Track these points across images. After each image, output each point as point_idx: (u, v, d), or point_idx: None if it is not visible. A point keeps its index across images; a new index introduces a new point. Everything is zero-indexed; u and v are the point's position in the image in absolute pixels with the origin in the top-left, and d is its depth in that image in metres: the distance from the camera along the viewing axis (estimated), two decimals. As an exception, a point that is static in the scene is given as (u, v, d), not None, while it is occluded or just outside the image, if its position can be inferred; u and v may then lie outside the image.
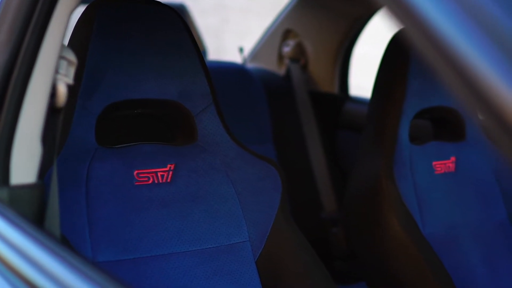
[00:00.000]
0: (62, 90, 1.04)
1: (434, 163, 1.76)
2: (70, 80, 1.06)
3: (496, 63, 0.55)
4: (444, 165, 1.77)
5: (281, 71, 2.87)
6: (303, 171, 2.66)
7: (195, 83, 1.42)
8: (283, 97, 2.76)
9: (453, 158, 1.79)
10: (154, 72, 1.38)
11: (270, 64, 2.91)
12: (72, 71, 1.07)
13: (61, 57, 1.06)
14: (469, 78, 0.56)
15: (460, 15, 0.57)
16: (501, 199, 1.84)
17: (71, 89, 1.16)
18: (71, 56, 1.07)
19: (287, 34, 2.84)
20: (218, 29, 7.73)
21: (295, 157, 2.65)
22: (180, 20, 1.43)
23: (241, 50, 2.97)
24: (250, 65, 2.94)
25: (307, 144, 2.71)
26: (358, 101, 2.77)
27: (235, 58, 3.16)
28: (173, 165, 1.39)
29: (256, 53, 3.00)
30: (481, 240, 1.77)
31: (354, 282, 2.33)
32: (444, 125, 1.87)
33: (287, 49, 2.82)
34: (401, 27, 0.62)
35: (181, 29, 1.42)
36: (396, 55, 1.76)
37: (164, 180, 1.38)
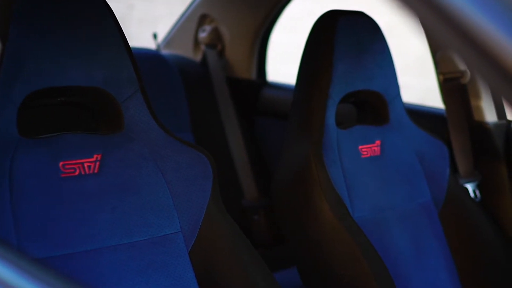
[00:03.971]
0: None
1: (360, 147, 1.77)
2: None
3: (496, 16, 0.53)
4: (370, 149, 1.78)
5: (197, 57, 2.82)
6: (222, 159, 2.63)
7: (121, 70, 1.37)
8: (200, 83, 2.72)
9: (378, 142, 1.80)
10: (78, 58, 1.31)
11: (185, 50, 2.86)
12: (-4, 56, 0.99)
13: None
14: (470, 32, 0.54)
15: None
16: (425, 181, 1.86)
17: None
18: (-5, 41, 1.00)
19: (203, 19, 2.79)
20: (123, 16, 7.58)
21: (214, 145, 2.61)
22: (104, 5, 1.36)
23: (155, 36, 2.90)
24: (164, 52, 2.88)
25: (226, 131, 2.68)
26: (276, 86, 2.75)
27: (142, 45, 3.08)
28: (100, 155, 1.33)
29: (171, 39, 2.94)
30: (407, 222, 1.79)
31: (282, 268, 2.32)
32: (368, 109, 1.88)
33: (203, 35, 2.77)
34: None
35: (105, 13, 1.36)
36: (320, 40, 1.75)
37: (91, 171, 1.31)
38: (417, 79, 6.79)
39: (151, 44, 2.96)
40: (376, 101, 1.85)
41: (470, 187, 2.04)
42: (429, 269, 1.79)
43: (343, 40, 1.73)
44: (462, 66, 2.06)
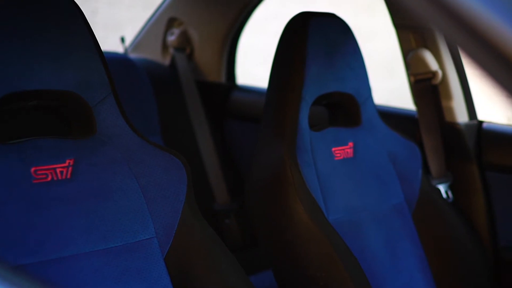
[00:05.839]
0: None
1: (333, 149, 1.76)
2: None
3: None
4: (343, 151, 1.78)
5: (166, 60, 2.80)
6: (193, 163, 2.60)
7: (93, 73, 1.34)
8: (170, 87, 2.70)
9: (350, 144, 1.80)
10: (49, 62, 1.28)
11: (153, 54, 2.83)
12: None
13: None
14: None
15: None
16: (398, 182, 1.86)
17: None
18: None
19: (171, 22, 2.76)
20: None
21: (184, 148, 2.59)
22: (75, 7, 1.34)
23: (122, 39, 2.87)
24: (132, 55, 2.85)
25: (196, 135, 2.66)
26: (245, 89, 2.74)
27: (108, 49, 3.05)
28: (72, 160, 1.30)
29: (138, 42, 2.91)
30: (381, 223, 1.79)
31: (255, 271, 2.31)
32: (340, 111, 1.88)
33: (171, 38, 2.75)
34: None
35: (76, 16, 1.33)
36: (292, 42, 1.74)
37: (63, 177, 1.28)
38: (381, 80, 6.84)
39: (116, 48, 2.92)
40: (348, 103, 1.85)
41: (442, 188, 2.05)
42: (403, 270, 1.79)
43: (315, 42, 1.72)
44: (433, 67, 2.07)
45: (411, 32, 2.08)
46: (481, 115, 2.14)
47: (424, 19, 0.63)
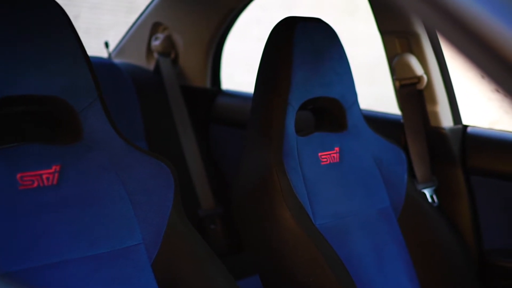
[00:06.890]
0: None
1: (320, 154, 1.76)
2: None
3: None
4: (329, 156, 1.78)
5: (150, 65, 2.79)
6: (178, 168, 2.58)
7: (79, 78, 1.33)
8: (154, 92, 2.69)
9: (337, 149, 1.80)
10: (35, 67, 1.27)
11: (138, 59, 2.82)
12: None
13: None
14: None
15: None
16: (384, 187, 1.87)
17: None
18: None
19: (156, 27, 2.76)
20: (70, 25, 7.45)
21: (168, 154, 2.58)
22: (62, 12, 1.33)
23: (106, 44, 2.86)
24: (116, 60, 2.84)
25: (180, 140, 2.65)
26: (230, 94, 2.74)
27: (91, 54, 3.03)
28: (59, 166, 1.29)
29: (122, 47, 2.90)
30: (367, 228, 1.79)
31: (241, 276, 2.30)
32: (326, 116, 1.88)
33: (156, 43, 2.74)
34: None
35: (63, 21, 1.33)
36: (279, 46, 1.74)
37: (50, 183, 1.27)
38: (363, 85, 6.86)
39: (99, 53, 2.91)
40: (334, 108, 1.85)
41: (427, 192, 2.05)
42: (390, 274, 1.79)
43: (302, 47, 1.72)
44: (418, 72, 2.07)
45: (396, 37, 2.09)
46: (465, 119, 2.16)
47: (413, 13, 0.63)
